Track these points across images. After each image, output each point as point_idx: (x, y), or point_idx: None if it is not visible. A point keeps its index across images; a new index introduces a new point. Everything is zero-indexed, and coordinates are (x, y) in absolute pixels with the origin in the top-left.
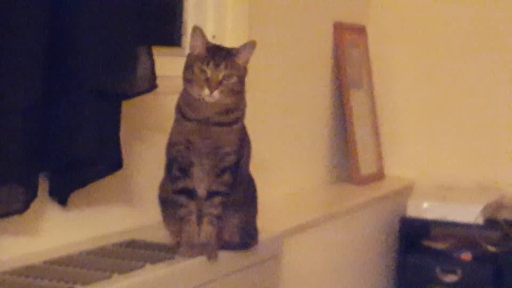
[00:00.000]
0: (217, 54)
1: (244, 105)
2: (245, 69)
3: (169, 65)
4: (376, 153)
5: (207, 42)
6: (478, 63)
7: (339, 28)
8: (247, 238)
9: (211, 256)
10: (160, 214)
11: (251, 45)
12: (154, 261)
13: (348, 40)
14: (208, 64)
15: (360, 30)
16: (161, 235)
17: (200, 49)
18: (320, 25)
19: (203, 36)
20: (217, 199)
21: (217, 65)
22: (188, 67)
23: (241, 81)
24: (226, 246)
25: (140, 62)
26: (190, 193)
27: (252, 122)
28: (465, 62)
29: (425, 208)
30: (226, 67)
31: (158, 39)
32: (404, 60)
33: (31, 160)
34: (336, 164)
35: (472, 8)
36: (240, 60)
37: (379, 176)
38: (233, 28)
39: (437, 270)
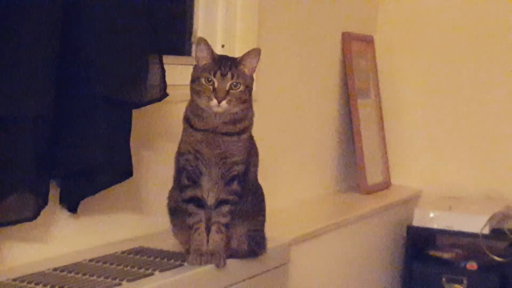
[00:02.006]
0: (223, 64)
1: (252, 114)
2: (251, 78)
3: (179, 74)
4: (383, 162)
5: (213, 53)
6: (485, 74)
7: (347, 38)
8: (255, 246)
9: (220, 264)
10: (169, 222)
11: (256, 53)
12: (163, 269)
13: (356, 50)
14: (215, 74)
15: (368, 40)
16: (170, 242)
17: (206, 60)
18: (328, 35)
19: (208, 46)
20: (225, 208)
21: (223, 75)
22: (195, 79)
23: (248, 90)
24: (234, 254)
25: (151, 71)
26: (199, 202)
27: (260, 130)
28: (472, 72)
29: (431, 218)
30: (232, 76)
31: (168, 48)
32: (411, 70)
33: (42, 168)
34: (343, 173)
35: (481, 20)
36: (246, 69)
37: (386, 185)
38: (242, 37)
39: (443, 279)
